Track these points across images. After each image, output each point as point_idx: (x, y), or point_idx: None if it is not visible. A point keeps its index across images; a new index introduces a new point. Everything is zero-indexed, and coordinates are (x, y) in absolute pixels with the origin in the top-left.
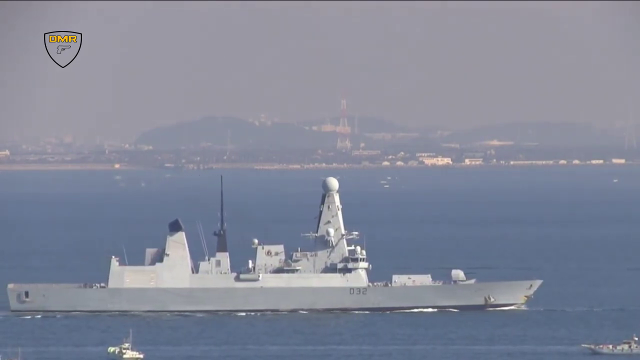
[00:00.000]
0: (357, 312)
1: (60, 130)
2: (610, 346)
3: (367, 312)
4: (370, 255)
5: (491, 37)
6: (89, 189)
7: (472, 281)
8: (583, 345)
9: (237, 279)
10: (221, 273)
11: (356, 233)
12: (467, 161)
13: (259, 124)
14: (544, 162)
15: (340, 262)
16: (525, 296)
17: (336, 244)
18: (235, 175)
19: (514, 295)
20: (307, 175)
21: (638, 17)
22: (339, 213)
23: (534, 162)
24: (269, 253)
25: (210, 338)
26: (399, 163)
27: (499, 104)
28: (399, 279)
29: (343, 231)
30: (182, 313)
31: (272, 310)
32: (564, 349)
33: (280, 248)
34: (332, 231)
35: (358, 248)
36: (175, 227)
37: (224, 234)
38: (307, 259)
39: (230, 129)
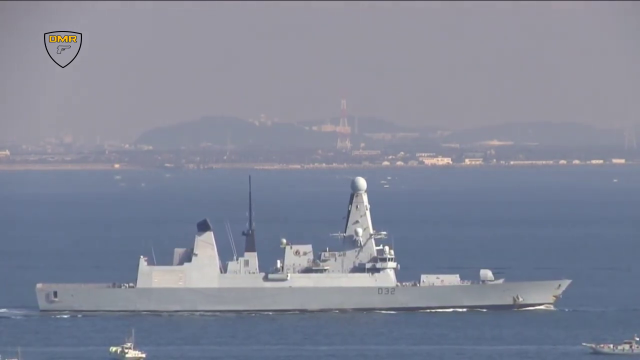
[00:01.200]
0: (385, 312)
1: (60, 130)
2: (611, 346)
3: (395, 312)
4: (398, 254)
5: (491, 37)
6: (89, 188)
7: (501, 281)
8: (584, 344)
9: (266, 278)
10: (249, 273)
11: (384, 233)
12: (467, 161)
13: (259, 124)
14: (544, 162)
15: (368, 261)
16: (554, 296)
17: (364, 244)
18: (235, 175)
19: (542, 295)
20: (307, 175)
21: (638, 17)
22: (367, 213)
23: (534, 162)
24: (297, 253)
25: (213, 338)
26: (399, 163)
27: (499, 104)
28: (427, 279)
29: (371, 231)
30: (211, 313)
31: (300, 310)
32: (564, 349)
33: (308, 248)
34: (360, 231)
35: (386, 248)
36: (203, 227)
37: (253, 233)
38: (336, 259)
39: (230, 129)
